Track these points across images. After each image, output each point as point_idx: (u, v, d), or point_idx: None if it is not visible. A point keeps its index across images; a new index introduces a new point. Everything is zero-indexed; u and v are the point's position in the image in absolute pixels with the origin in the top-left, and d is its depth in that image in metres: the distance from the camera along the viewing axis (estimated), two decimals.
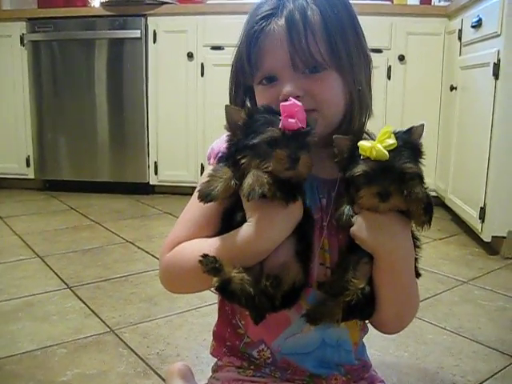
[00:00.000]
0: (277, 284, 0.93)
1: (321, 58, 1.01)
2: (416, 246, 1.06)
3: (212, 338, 1.23)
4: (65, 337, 1.82)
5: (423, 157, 1.00)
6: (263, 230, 0.95)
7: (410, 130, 1.00)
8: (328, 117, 1.06)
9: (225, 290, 0.92)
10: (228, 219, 1.02)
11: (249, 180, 0.91)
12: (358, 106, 1.09)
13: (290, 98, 0.94)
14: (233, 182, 0.94)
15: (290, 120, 0.91)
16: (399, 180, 0.94)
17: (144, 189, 4.14)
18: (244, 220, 0.98)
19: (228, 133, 0.99)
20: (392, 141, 0.94)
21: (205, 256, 0.92)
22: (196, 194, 1.00)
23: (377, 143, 0.94)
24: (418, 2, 3.96)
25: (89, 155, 4.16)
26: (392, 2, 3.96)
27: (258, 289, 0.93)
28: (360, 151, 0.96)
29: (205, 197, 0.94)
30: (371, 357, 1.34)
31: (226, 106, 0.97)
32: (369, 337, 1.26)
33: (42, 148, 4.23)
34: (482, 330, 1.90)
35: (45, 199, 4.07)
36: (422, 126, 1.00)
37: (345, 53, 1.04)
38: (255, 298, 0.93)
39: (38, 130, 4.21)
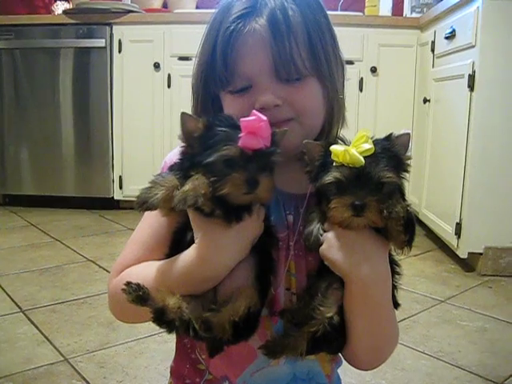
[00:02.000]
0: (206, 328, 0.79)
1: (302, 64, 0.91)
2: (395, 273, 0.93)
3: (170, 375, 1.10)
4: (13, 368, 1.66)
5: (408, 170, 0.88)
6: (208, 254, 0.83)
7: (389, 137, 0.88)
8: (307, 127, 0.95)
9: (162, 322, 0.79)
10: (178, 240, 0.90)
11: (185, 187, 0.78)
12: (337, 115, 1.00)
13: (254, 111, 0.81)
14: (176, 192, 0.80)
15: (251, 138, 0.79)
16: (376, 191, 0.82)
17: (108, 204, 3.98)
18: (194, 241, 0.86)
19: (182, 144, 0.87)
20: (368, 145, 0.82)
21: (128, 284, 0.79)
22: (146, 213, 0.87)
23: (351, 148, 0.82)
24: (389, 14, 3.91)
25: (52, 168, 3.99)
26: (363, 14, 3.90)
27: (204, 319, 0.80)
28: (332, 157, 0.84)
29: (141, 204, 0.81)
30: None
31: (182, 113, 0.84)
32: (343, 364, 1.13)
33: (3, 161, 4.05)
34: (462, 354, 1.80)
35: (3, 215, 3.87)
36: (408, 135, 0.88)
37: (324, 58, 0.94)
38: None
39: None
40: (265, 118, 0.80)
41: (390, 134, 0.88)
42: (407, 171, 0.89)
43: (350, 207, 0.81)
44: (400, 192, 0.87)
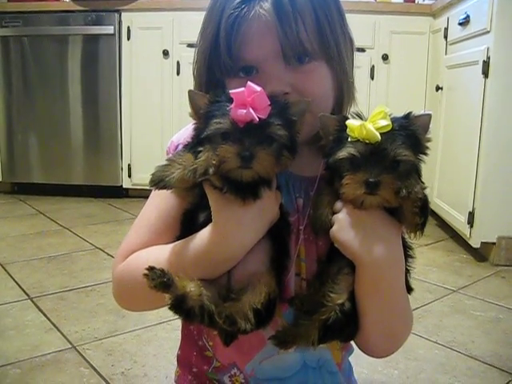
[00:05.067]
0: (231, 323, 0.76)
1: (310, 46, 0.88)
2: (408, 256, 0.90)
3: (176, 363, 1.07)
4: (20, 355, 1.65)
5: (426, 152, 0.84)
6: (226, 230, 0.80)
7: (408, 115, 0.84)
8: (317, 114, 0.91)
9: (180, 309, 0.76)
10: (189, 221, 0.87)
11: (199, 158, 0.77)
12: (347, 99, 0.97)
13: (249, 82, 0.78)
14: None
15: (240, 110, 0.76)
16: (391, 168, 0.79)
17: (117, 192, 3.96)
18: (209, 221, 0.82)
19: (193, 121, 0.84)
20: (385, 122, 0.79)
21: (151, 269, 0.76)
22: (153, 193, 0.84)
23: (368, 123, 0.79)
24: (401, 0, 3.84)
25: (60, 157, 3.97)
26: (375, 0, 3.84)
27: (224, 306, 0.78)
28: (348, 131, 0.81)
29: (157, 182, 0.79)
30: (358, 376, 1.20)
31: (189, 91, 0.83)
32: (354, 353, 1.11)
33: (12, 149, 4.03)
34: (476, 344, 1.77)
35: (12, 203, 3.86)
36: (428, 116, 0.84)
37: (333, 40, 0.91)
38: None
39: (8, 130, 4.01)
40: (259, 88, 0.77)
41: (409, 113, 0.84)
42: (425, 153, 0.85)
43: (364, 184, 0.78)
44: (417, 173, 0.84)
